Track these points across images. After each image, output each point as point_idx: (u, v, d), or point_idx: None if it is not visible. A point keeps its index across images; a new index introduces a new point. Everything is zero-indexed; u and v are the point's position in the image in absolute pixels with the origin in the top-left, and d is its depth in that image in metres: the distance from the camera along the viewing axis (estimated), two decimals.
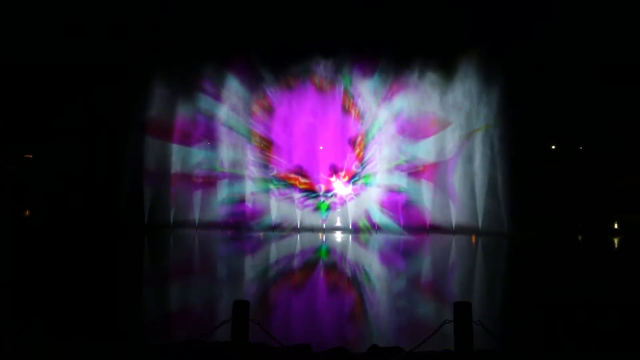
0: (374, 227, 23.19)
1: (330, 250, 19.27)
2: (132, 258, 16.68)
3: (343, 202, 24.65)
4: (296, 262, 16.53)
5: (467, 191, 23.71)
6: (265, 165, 24.80)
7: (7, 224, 23.48)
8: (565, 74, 38.08)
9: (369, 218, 23.57)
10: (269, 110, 25.30)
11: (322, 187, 24.68)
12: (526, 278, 13.97)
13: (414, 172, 24.22)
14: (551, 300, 11.03)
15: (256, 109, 25.19)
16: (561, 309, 10.25)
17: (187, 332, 7.62)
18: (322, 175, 24.84)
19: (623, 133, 39.10)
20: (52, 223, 24.09)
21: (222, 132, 24.72)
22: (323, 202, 24.47)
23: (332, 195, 24.78)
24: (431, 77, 24.15)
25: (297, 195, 24.32)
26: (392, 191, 24.01)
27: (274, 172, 24.55)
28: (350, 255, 18.46)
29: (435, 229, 22.91)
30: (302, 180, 24.66)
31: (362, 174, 24.80)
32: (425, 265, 16.79)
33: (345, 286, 12.91)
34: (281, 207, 24.10)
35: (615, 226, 26.03)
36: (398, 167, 24.27)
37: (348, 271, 14.89)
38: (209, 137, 25.06)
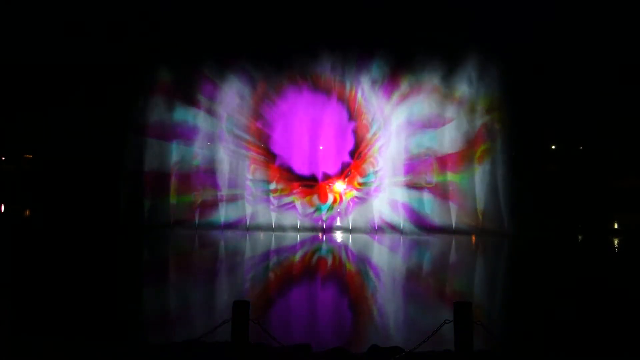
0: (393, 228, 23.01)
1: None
2: (132, 258, 16.70)
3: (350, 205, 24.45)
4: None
5: (467, 191, 23.75)
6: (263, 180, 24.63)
7: (7, 223, 23.50)
8: (565, 74, 38.11)
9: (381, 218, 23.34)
10: (269, 111, 25.34)
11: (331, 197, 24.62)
12: (526, 278, 13.98)
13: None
14: (551, 300, 11.04)
15: (256, 110, 25.21)
16: (561, 309, 10.26)
17: (187, 332, 7.61)
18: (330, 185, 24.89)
19: (623, 133, 39.12)
20: (52, 223, 24.11)
21: (221, 136, 24.72)
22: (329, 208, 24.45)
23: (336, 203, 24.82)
24: (432, 76, 24.15)
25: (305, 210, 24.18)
26: (417, 188, 23.82)
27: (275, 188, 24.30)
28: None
29: (434, 229, 22.93)
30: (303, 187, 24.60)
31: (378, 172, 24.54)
32: (426, 265, 16.83)
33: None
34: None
35: (615, 226, 26.04)
36: (413, 159, 24.09)
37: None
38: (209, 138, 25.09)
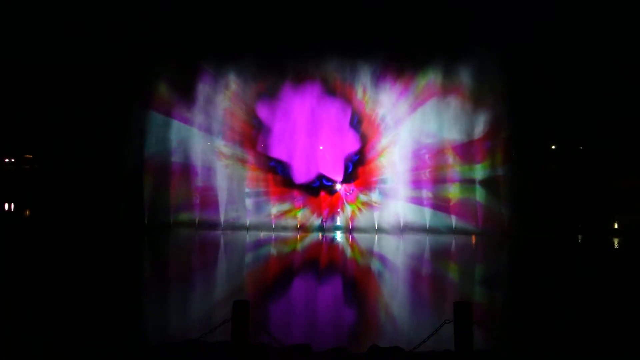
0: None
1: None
2: (131, 257, 16.71)
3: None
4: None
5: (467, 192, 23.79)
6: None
7: (7, 223, 23.51)
8: (565, 73, 38.09)
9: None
10: (269, 113, 25.33)
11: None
12: (526, 278, 13.98)
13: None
14: (551, 300, 11.04)
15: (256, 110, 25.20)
16: (561, 309, 10.26)
17: (187, 332, 7.61)
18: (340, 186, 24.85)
19: (623, 133, 39.11)
20: (52, 222, 24.11)
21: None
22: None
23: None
24: (431, 76, 24.16)
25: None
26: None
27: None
28: None
29: (434, 229, 22.97)
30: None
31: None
32: (427, 265, 16.86)
33: None
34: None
35: (615, 226, 26.04)
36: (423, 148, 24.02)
37: None
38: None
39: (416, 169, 23.96)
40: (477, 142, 24.07)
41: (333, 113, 25.00)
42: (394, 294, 12.26)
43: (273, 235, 22.25)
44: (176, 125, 24.53)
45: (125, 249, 18.43)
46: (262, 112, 25.23)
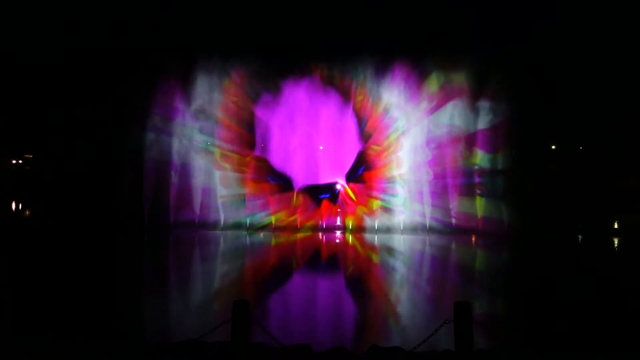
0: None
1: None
2: (131, 257, 16.71)
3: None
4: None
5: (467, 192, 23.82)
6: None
7: (7, 223, 23.50)
8: (565, 73, 38.09)
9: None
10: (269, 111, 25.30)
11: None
12: (526, 278, 13.98)
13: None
14: (551, 300, 11.03)
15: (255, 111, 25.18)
16: (561, 309, 10.26)
17: (187, 332, 7.61)
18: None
19: (623, 133, 39.11)
20: (52, 222, 24.10)
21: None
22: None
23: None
24: (431, 75, 24.16)
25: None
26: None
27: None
28: None
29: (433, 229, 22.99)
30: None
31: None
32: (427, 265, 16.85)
33: None
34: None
35: (615, 226, 26.03)
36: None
37: None
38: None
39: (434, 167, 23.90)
40: (478, 140, 24.11)
41: (334, 111, 24.93)
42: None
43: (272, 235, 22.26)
44: (175, 125, 24.55)
45: (125, 249, 18.44)
46: (261, 111, 25.22)
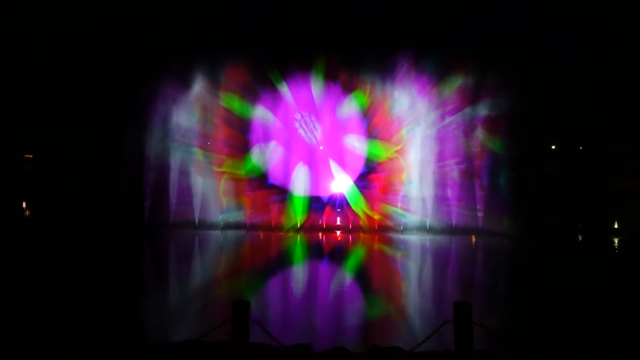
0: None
1: None
2: (131, 257, 16.72)
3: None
4: None
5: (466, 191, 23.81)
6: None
7: (7, 223, 23.48)
8: (565, 73, 38.07)
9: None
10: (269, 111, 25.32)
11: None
12: (526, 278, 13.98)
13: None
14: (551, 300, 11.04)
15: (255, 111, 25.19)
16: (561, 309, 10.26)
17: (187, 332, 7.61)
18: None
19: (623, 133, 39.11)
20: (52, 223, 24.09)
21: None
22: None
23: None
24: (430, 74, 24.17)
25: None
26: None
27: None
28: None
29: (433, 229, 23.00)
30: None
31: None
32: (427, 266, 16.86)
33: None
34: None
35: (615, 226, 26.02)
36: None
37: None
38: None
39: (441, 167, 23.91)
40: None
41: (338, 109, 24.88)
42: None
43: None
44: (175, 124, 24.55)
45: (124, 249, 18.46)
46: (261, 113, 25.24)
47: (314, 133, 25.36)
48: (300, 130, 25.13)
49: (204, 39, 28.40)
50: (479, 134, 24.10)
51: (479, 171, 24.03)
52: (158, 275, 14.18)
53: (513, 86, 23.14)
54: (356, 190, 24.70)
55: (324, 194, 24.99)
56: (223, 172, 24.37)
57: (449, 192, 23.76)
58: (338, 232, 23.00)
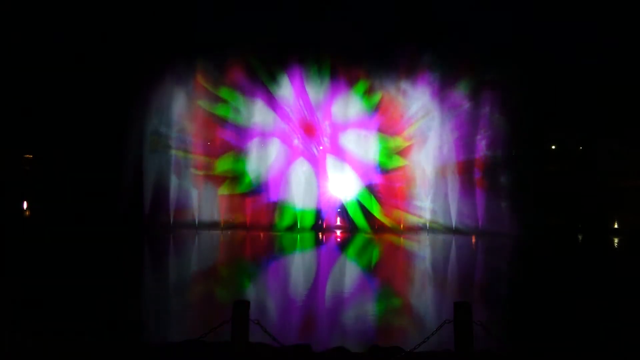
0: None
1: None
2: (130, 257, 16.72)
3: None
4: None
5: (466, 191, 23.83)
6: None
7: (7, 224, 23.50)
8: (565, 73, 38.05)
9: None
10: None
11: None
12: (526, 278, 13.98)
13: None
14: (551, 300, 11.03)
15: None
16: (561, 309, 10.25)
17: (187, 332, 7.61)
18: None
19: (623, 133, 39.07)
20: (52, 223, 24.10)
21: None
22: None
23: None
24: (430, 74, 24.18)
25: None
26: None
27: None
28: None
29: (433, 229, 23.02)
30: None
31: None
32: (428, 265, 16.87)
33: None
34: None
35: (616, 226, 26.03)
36: None
37: None
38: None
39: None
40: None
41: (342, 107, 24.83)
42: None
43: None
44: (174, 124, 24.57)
45: (124, 249, 18.45)
46: (261, 114, 25.22)
47: (320, 138, 25.22)
48: (299, 145, 25.07)
49: (204, 39, 28.43)
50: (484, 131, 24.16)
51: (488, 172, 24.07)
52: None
53: (513, 86, 23.16)
54: (367, 193, 24.59)
55: (327, 199, 24.89)
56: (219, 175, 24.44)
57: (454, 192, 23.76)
58: (338, 232, 23.01)
